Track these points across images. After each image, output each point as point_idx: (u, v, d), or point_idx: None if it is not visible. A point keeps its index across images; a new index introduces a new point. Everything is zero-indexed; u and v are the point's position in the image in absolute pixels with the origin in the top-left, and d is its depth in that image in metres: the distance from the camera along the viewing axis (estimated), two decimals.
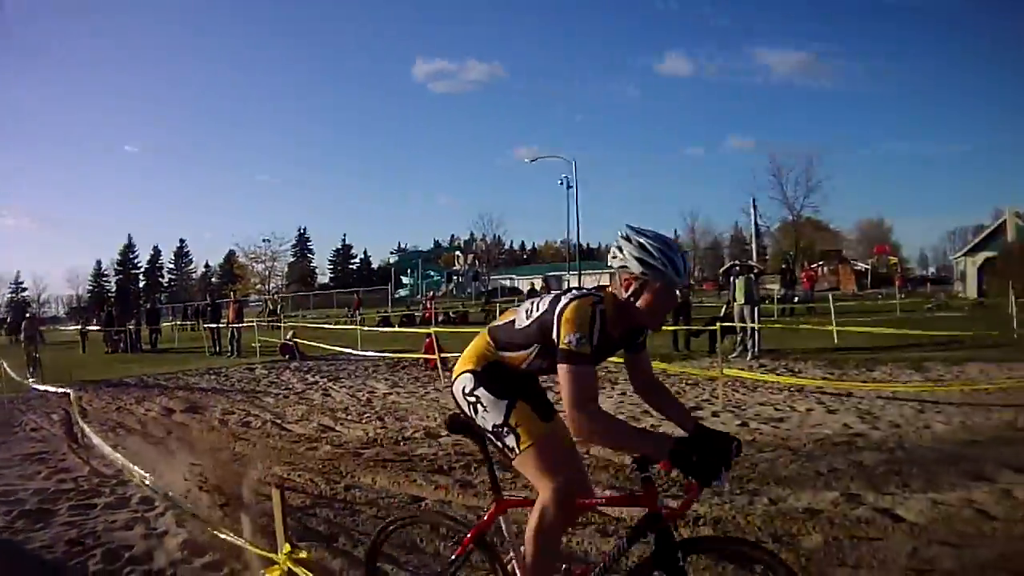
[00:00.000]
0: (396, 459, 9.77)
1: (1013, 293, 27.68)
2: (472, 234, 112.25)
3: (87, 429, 10.21)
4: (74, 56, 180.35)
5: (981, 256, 55.90)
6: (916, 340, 19.90)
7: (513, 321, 4.24)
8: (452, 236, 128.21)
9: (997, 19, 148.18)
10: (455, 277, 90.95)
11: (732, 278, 21.59)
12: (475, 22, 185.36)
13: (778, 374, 16.15)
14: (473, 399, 4.16)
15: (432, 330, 22.02)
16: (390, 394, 16.60)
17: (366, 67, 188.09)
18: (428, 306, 50.73)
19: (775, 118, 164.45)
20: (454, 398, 4.31)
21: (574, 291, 4.11)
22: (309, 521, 7.31)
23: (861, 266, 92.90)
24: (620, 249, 3.93)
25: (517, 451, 3.99)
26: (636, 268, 3.82)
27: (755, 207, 77.92)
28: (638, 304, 3.90)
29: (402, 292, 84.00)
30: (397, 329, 33.51)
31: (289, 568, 4.09)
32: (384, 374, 20.58)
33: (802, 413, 12.15)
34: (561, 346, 3.78)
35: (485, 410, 4.10)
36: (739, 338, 20.46)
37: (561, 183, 67.67)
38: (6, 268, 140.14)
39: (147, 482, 7.13)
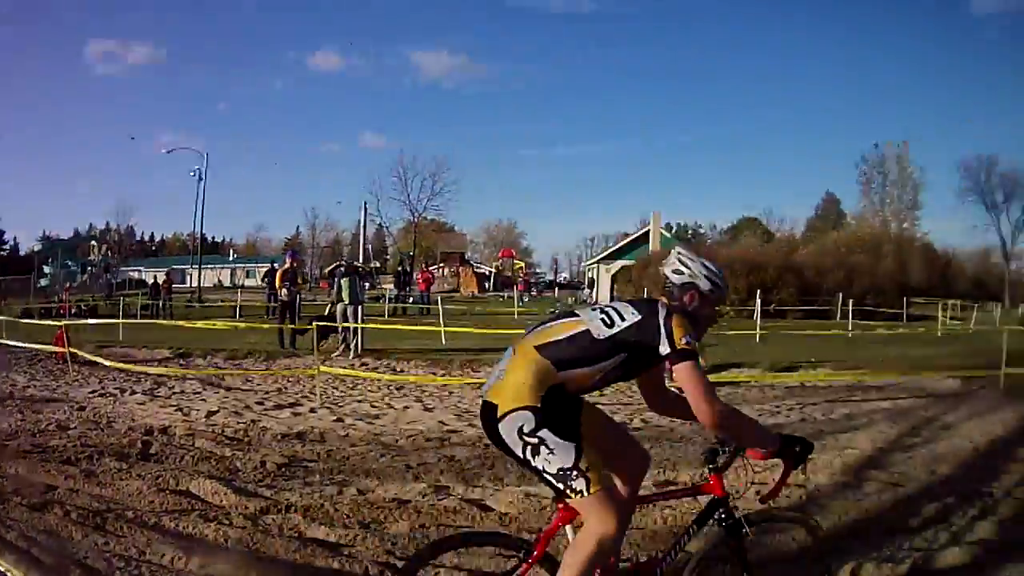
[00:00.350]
0: (33, 450, 9.75)
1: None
2: (108, 224, 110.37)
3: None
4: None
5: (617, 264, 58.09)
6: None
7: (582, 334, 4.14)
8: (91, 225, 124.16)
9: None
10: (89, 268, 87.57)
11: (337, 278, 22.40)
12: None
13: (379, 372, 17.10)
14: (535, 440, 3.93)
15: (64, 323, 21.91)
16: (28, 387, 16.50)
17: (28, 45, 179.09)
18: (64, 298, 50.08)
19: (417, 119, 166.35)
20: (495, 437, 4.08)
21: (653, 300, 4.40)
22: None
23: (486, 269, 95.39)
24: (686, 267, 4.39)
25: (586, 494, 3.87)
26: (705, 286, 4.35)
27: (366, 209, 78.24)
28: (697, 316, 4.35)
29: (43, 282, 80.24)
30: (36, 321, 32.17)
31: None
32: (24, 367, 20.15)
33: (399, 411, 12.86)
34: (681, 346, 4.00)
35: (551, 452, 3.91)
36: (342, 337, 20.99)
37: (193, 174, 67.56)
38: None
39: None
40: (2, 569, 5.50)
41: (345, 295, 21.16)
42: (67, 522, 6.71)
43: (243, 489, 7.83)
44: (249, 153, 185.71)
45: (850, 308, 35.34)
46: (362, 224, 74.60)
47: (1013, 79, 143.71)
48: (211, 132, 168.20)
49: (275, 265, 38.93)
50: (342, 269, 22.30)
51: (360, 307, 21.52)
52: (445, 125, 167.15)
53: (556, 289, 60.10)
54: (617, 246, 64.66)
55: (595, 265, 64.60)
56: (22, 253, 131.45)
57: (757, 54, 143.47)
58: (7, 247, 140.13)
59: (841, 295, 40.09)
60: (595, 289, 60.83)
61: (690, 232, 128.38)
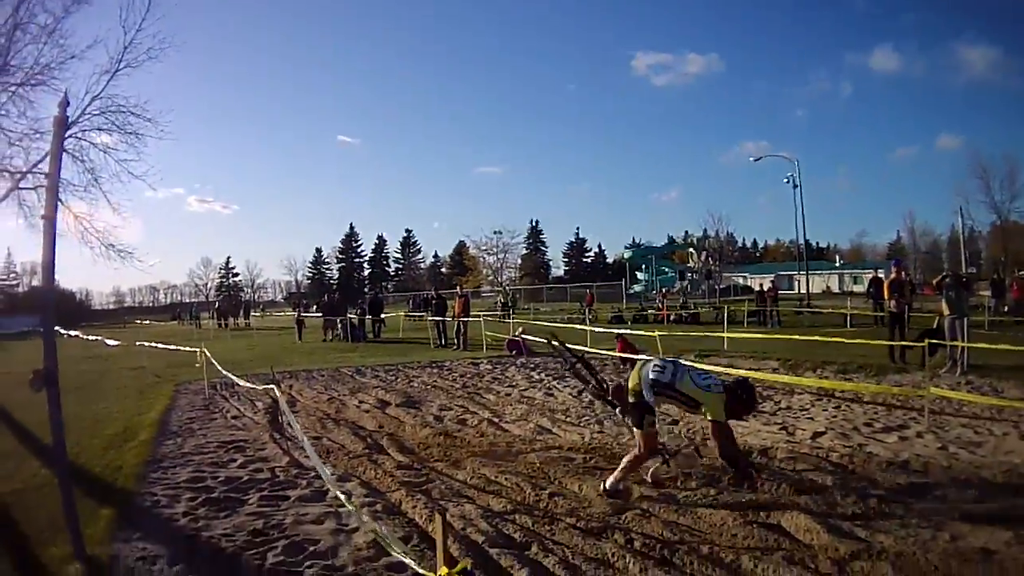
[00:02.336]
0: (607, 467, 9.38)
1: None
2: (705, 231, 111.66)
3: (291, 419, 10.19)
4: (287, 50, 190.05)
5: None
6: None
7: None
8: (686, 232, 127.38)
9: None
10: (688, 274, 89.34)
11: (945, 290, 20.26)
12: (691, 15, 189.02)
13: (982, 393, 15.33)
14: None
15: (657, 331, 22.70)
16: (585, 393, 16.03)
17: (586, 61, 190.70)
18: (661, 304, 50.94)
19: (979, 117, 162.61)
20: None
21: None
22: (505, 527, 7.24)
23: None
24: None
25: None
26: None
27: (962, 213, 73.74)
28: None
29: (636, 288, 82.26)
30: (627, 329, 31.97)
31: None
32: (610, 374, 19.60)
33: (999, 438, 11.33)
34: None
35: None
36: (948, 352, 18.88)
37: (787, 181, 65.03)
38: (211, 254, 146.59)
39: (333, 480, 7.32)
40: None
41: (952, 307, 19.49)
42: (626, 552, 6.51)
43: (837, 528, 7.10)
44: (832, 158, 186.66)
45: None
46: (960, 229, 70.23)
47: None
48: (793, 139, 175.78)
49: (879, 273, 37.18)
50: (948, 280, 20.11)
51: (965, 319, 19.44)
52: (1004, 121, 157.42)
53: None
54: None
55: None
56: (609, 260, 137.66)
57: None
58: (591, 254, 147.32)
59: None
60: None
61: None
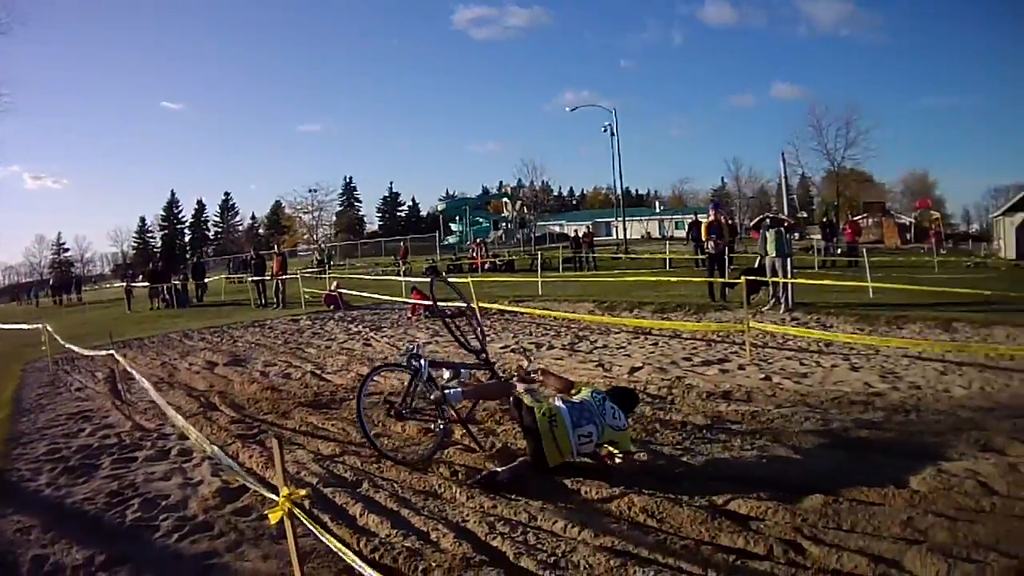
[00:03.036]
0: (426, 407, 9.38)
1: None
2: (520, 181, 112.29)
3: (134, 383, 10.28)
4: (106, 15, 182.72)
5: (1020, 216, 54.17)
6: (950, 298, 18.83)
7: None
8: (500, 183, 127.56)
9: None
10: (503, 224, 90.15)
11: (763, 230, 20.91)
12: None
13: (808, 328, 16.00)
14: None
15: (470, 279, 23.35)
16: (429, 343, 16.80)
17: (406, 15, 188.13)
18: (475, 254, 51.56)
19: (819, 70, 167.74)
20: None
21: None
22: (336, 468, 7.56)
23: (905, 220, 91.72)
24: None
25: None
26: None
27: (784, 160, 74.47)
28: None
29: (451, 240, 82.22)
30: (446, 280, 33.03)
31: (289, 508, 4.34)
32: (427, 323, 20.82)
33: (826, 369, 11.97)
34: None
35: None
36: (771, 291, 19.82)
37: (604, 130, 66.33)
38: (48, 231, 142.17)
39: (191, 435, 7.41)
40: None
41: (772, 248, 20.01)
42: (451, 482, 6.95)
43: (658, 452, 7.65)
44: (661, 108, 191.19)
45: None
46: (783, 175, 71.93)
47: None
48: (616, 89, 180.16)
49: (698, 217, 38.19)
50: (767, 221, 20.86)
51: (789, 260, 20.07)
52: (852, 73, 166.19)
53: (969, 241, 55.57)
54: (1017, 198, 60.20)
55: (1000, 217, 60.23)
56: (423, 213, 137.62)
57: None
58: (405, 208, 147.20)
59: None
60: (1003, 241, 56.81)
61: None
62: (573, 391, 7.47)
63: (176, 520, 6.57)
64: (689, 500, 6.17)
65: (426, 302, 20.26)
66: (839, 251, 41.25)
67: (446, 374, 8.23)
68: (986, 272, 34.30)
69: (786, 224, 21.09)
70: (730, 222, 28.75)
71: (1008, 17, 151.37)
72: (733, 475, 6.77)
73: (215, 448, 6.45)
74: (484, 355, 8.77)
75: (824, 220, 52.18)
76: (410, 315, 23.13)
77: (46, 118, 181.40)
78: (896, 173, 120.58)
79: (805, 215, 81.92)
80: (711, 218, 23.57)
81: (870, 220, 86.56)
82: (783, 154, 76.18)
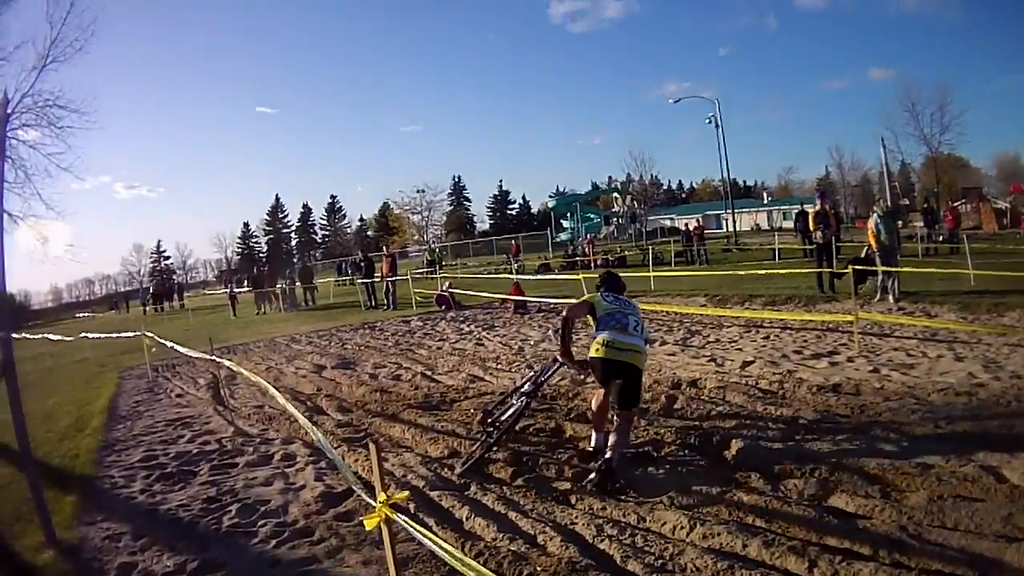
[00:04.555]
0: (538, 408, 9.87)
1: None
2: (628, 175, 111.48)
3: (237, 389, 10.41)
4: (198, 22, 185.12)
5: None
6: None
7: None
8: (609, 177, 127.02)
9: None
10: (614, 219, 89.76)
11: (874, 220, 20.25)
12: None
13: (915, 316, 15.74)
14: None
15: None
16: (542, 341, 16.85)
17: (502, 12, 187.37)
18: (587, 250, 50.81)
19: (909, 51, 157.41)
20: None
21: None
22: (443, 471, 7.62)
23: (1001, 204, 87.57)
24: None
25: None
26: None
27: (885, 147, 73.38)
28: None
29: (562, 236, 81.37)
30: (556, 276, 33.47)
31: (387, 515, 4.36)
32: (539, 321, 20.77)
33: (932, 360, 11.71)
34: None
35: None
36: (880, 280, 19.15)
37: (709, 122, 64.81)
38: (147, 239, 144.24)
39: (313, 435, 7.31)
40: None
41: (884, 236, 19.58)
42: (563, 483, 7.08)
43: (767, 448, 7.59)
44: (758, 95, 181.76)
45: None
46: (883, 161, 70.24)
47: None
48: (716, 77, 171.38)
49: (805, 207, 37.72)
50: (876, 210, 20.49)
51: (896, 249, 19.87)
52: (939, 53, 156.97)
53: None
54: None
55: None
56: (534, 211, 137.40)
57: None
58: (516, 206, 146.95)
59: None
60: None
61: None
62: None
63: (275, 526, 6.72)
64: (798, 499, 6.23)
65: (519, 298, 21.46)
66: (940, 238, 40.03)
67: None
68: None
69: (893, 212, 20.71)
70: (836, 211, 28.29)
71: None
72: (841, 471, 6.73)
73: (321, 437, 6.62)
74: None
75: (925, 207, 50.91)
76: (508, 309, 23.71)
77: (138, 130, 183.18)
78: (987, 156, 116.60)
79: (906, 202, 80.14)
80: (817, 208, 23.25)
81: (968, 206, 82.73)
82: (883, 140, 74.79)
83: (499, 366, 13.93)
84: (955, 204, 53.89)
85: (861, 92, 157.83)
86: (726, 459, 7.40)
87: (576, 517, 6.00)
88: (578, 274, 26.59)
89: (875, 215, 20.30)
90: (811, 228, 23.59)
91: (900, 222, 38.10)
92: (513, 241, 63.80)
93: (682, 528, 5.63)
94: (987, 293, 18.08)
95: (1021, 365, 10.83)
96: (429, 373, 14.00)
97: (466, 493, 6.83)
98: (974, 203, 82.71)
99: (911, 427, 7.98)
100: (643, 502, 6.27)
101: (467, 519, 6.17)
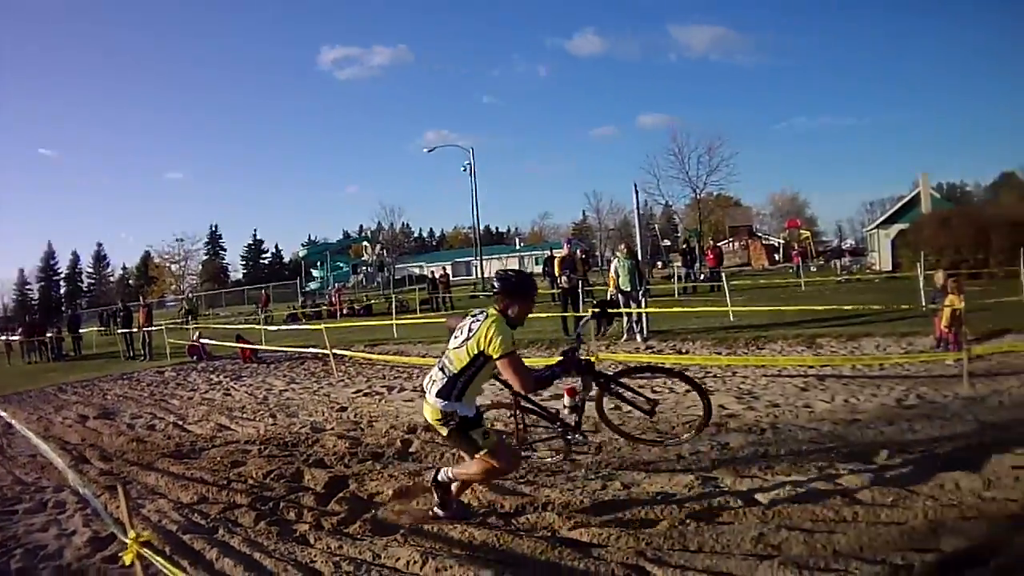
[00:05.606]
0: (280, 454, 10.23)
1: (924, 264, 28.40)
2: (379, 223, 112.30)
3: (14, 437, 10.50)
4: None
5: (895, 228, 54.43)
6: (816, 315, 20.15)
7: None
8: (360, 226, 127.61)
9: None
10: (362, 268, 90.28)
11: (613, 263, 21.54)
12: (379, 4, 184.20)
13: (663, 355, 16.43)
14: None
15: (324, 325, 23.32)
16: (285, 391, 17.15)
17: (271, 57, 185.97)
18: (334, 299, 51.52)
19: (690, 96, 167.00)
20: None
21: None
22: (194, 516, 7.80)
23: (775, 241, 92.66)
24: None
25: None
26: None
27: (637, 191, 76.18)
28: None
29: (312, 285, 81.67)
30: (301, 326, 34.22)
31: (137, 551, 4.61)
32: (283, 371, 21.11)
33: (680, 395, 12.21)
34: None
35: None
36: (625, 322, 20.39)
37: (464, 170, 67.08)
38: None
39: (77, 486, 7.60)
40: None
41: (623, 280, 20.42)
42: (301, 522, 7.34)
43: (502, 486, 7.76)
44: (524, 143, 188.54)
45: None
46: (635, 205, 72.61)
47: None
48: (482, 126, 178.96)
49: (554, 252, 38.85)
50: (618, 255, 21.42)
51: (638, 290, 20.48)
52: (717, 99, 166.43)
53: (843, 256, 56.89)
54: (892, 210, 61.91)
55: (875, 231, 61.86)
56: (286, 260, 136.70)
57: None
58: (268, 255, 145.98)
59: None
60: (877, 254, 57.73)
61: (958, 191, 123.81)
62: None
63: (53, 569, 6.79)
64: (530, 531, 6.55)
65: (251, 346, 22.43)
66: (702, 277, 41.93)
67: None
68: (859, 286, 35.90)
69: (636, 255, 21.57)
70: (584, 255, 29.18)
71: (879, 37, 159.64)
72: (574, 505, 7.07)
73: (88, 493, 6.84)
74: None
75: (684, 247, 52.85)
76: (242, 360, 24.33)
77: None
78: (767, 195, 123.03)
79: (668, 243, 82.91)
80: (564, 253, 24.34)
81: (736, 244, 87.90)
82: (635, 185, 77.29)
83: (244, 415, 14.21)
84: (718, 243, 55.99)
85: (628, 138, 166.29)
86: (465, 503, 7.50)
87: (315, 555, 6.24)
88: (320, 324, 26.57)
89: (615, 259, 21.23)
90: (557, 273, 24.13)
91: (660, 263, 39.27)
92: (263, 291, 63.21)
93: (415, 563, 5.90)
94: (748, 327, 19.24)
95: (779, 394, 11.72)
96: (181, 423, 14.10)
97: (215, 536, 7.04)
98: (743, 241, 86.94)
99: (652, 459, 8.49)
100: (378, 540, 6.53)
101: (216, 560, 6.39)
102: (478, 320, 6.51)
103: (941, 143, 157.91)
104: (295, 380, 18.82)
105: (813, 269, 55.28)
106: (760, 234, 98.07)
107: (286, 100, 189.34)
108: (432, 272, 57.04)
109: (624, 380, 8.48)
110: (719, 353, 16.77)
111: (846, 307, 19.52)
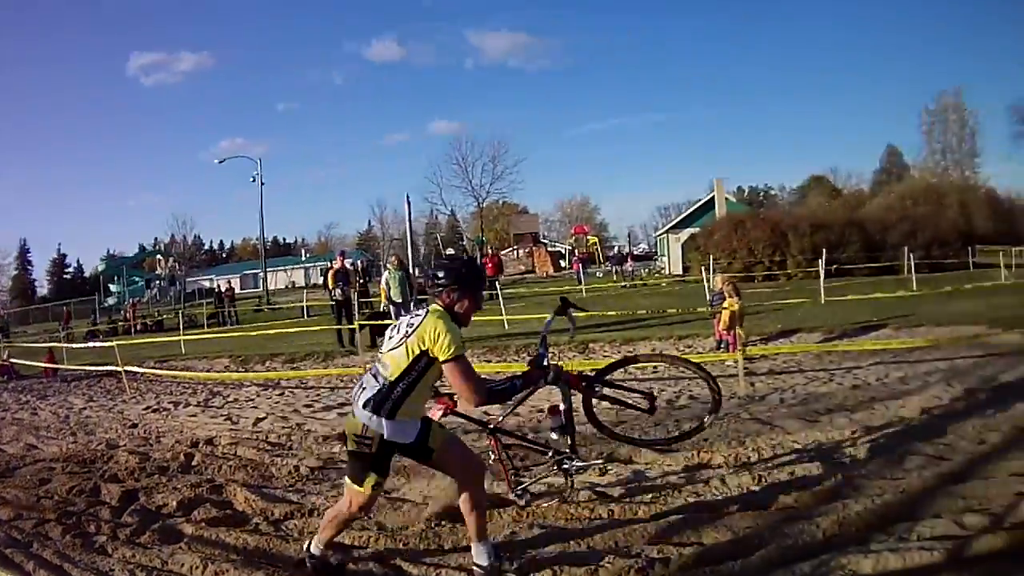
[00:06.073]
0: (80, 471, 10.52)
1: (712, 267, 30.04)
2: (172, 236, 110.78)
3: None
4: None
5: (686, 232, 57.07)
6: (593, 320, 20.57)
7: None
8: (155, 240, 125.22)
9: None
10: (156, 282, 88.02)
11: (384, 274, 22.47)
12: (185, 9, 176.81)
13: None
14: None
15: (115, 343, 23.30)
16: (84, 409, 17.33)
17: (83, 61, 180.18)
18: (129, 315, 51.23)
19: (485, 102, 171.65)
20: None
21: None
22: (12, 532, 7.96)
23: (562, 247, 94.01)
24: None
25: None
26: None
27: (409, 202, 75.70)
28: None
29: (110, 301, 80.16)
30: (100, 343, 32.49)
31: None
32: (83, 389, 21.14)
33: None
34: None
35: None
36: None
37: (253, 180, 67.75)
38: None
39: None
40: None
41: (395, 292, 21.25)
42: (103, 535, 7.49)
43: (272, 495, 8.37)
44: (316, 151, 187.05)
45: (910, 262, 35.00)
46: (407, 216, 72.48)
47: None
48: (275, 133, 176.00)
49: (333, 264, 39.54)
50: (389, 267, 22.32)
51: (412, 301, 21.18)
52: (512, 105, 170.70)
53: (625, 262, 58.34)
54: (684, 214, 63.96)
55: (665, 235, 63.76)
56: (87, 274, 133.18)
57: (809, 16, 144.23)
58: (71, 270, 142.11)
59: (906, 249, 38.65)
60: (667, 259, 60.28)
61: (761, 194, 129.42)
62: None
63: None
64: (299, 535, 7.09)
65: (52, 365, 22.60)
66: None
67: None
68: (644, 291, 37.63)
69: (406, 266, 22.21)
70: (365, 266, 29.67)
71: (676, 38, 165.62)
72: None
73: None
74: None
75: (462, 256, 53.68)
76: (45, 379, 24.49)
77: None
78: (558, 202, 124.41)
79: (453, 252, 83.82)
80: (336, 266, 24.77)
81: (521, 251, 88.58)
82: (407, 197, 77.94)
83: (50, 434, 14.35)
84: (496, 252, 56.55)
85: (422, 145, 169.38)
86: (236, 508, 8.15)
87: (113, 564, 6.64)
88: (112, 341, 27.10)
89: (386, 271, 22.07)
90: (331, 285, 24.39)
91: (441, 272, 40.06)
92: (65, 307, 62.16)
93: (197, 567, 6.31)
94: (520, 335, 20.24)
95: (544, 397, 11.71)
96: None
97: (31, 549, 7.29)
98: (527, 248, 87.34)
99: (412, 467, 8.31)
100: (166, 548, 6.94)
101: (34, 572, 6.71)
102: (417, 316, 5.65)
103: (746, 148, 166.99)
104: (93, 398, 19.00)
105: (599, 275, 57.19)
106: (546, 241, 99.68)
107: (93, 106, 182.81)
108: (218, 285, 58.21)
109: (609, 377, 7.58)
110: (488, 361, 17.72)
111: (641, 311, 21.06)
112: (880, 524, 6.00)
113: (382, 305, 22.70)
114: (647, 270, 60.59)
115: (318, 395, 15.63)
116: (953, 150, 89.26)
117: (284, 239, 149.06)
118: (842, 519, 6.07)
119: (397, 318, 19.28)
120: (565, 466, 6.87)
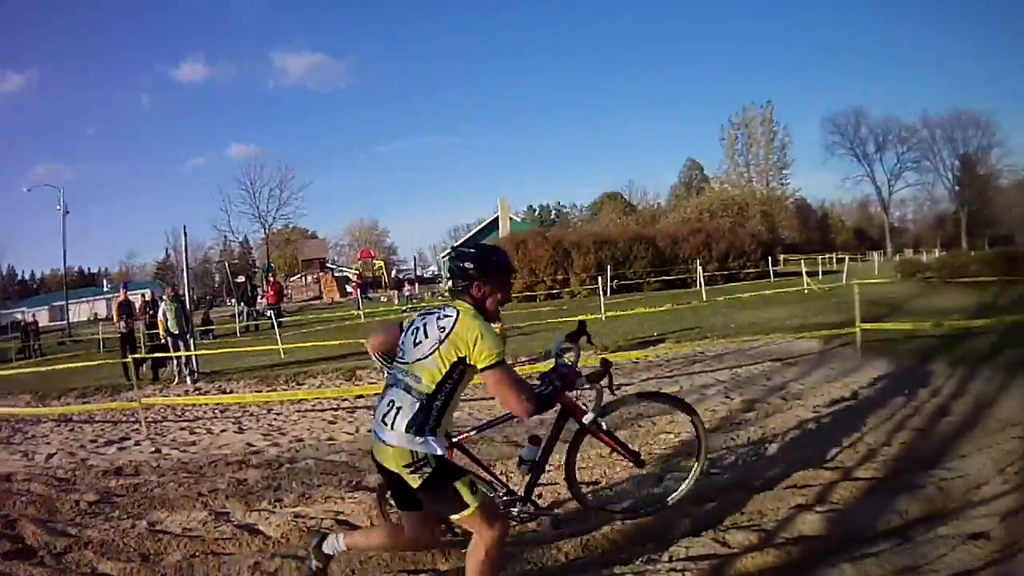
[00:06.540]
0: None
1: None
2: None
3: None
4: None
5: None
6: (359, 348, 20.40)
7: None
8: None
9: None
10: None
11: (161, 306, 22.21)
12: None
13: (207, 395, 17.39)
14: None
15: None
16: None
17: None
18: None
19: (283, 124, 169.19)
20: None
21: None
22: None
23: (350, 272, 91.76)
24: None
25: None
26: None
27: (186, 232, 74.48)
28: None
29: None
30: None
31: None
32: None
33: (215, 435, 13.29)
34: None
35: None
36: (175, 364, 20.78)
37: (59, 208, 66.63)
38: None
39: None
40: None
41: (172, 323, 21.35)
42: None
43: (55, 529, 8.25)
44: (121, 176, 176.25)
45: (701, 274, 36.64)
46: (184, 246, 71.05)
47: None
48: (86, 159, 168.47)
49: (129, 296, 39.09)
50: (165, 298, 22.45)
51: (188, 333, 21.58)
52: (308, 127, 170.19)
53: (407, 286, 58.19)
54: (469, 235, 64.60)
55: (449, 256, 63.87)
56: None
57: (611, 26, 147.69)
58: None
59: (698, 261, 40.65)
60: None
61: (553, 212, 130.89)
62: None
63: None
64: (76, 567, 7.07)
65: None
66: (266, 314, 40.79)
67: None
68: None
69: (182, 298, 22.16)
70: (148, 300, 29.35)
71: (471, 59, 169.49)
72: (108, 546, 7.51)
73: None
74: None
75: (239, 283, 53.55)
76: None
77: None
78: (347, 226, 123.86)
79: (243, 279, 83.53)
80: (121, 298, 24.93)
81: (309, 277, 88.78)
82: (184, 227, 76.28)
83: None
84: (287, 278, 56.38)
85: (220, 170, 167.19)
86: (26, 542, 7.92)
87: None
88: None
89: (163, 303, 22.08)
90: (115, 319, 24.53)
91: (215, 304, 39.53)
92: None
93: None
94: (295, 363, 20.53)
95: (306, 428, 12.91)
96: None
97: None
98: (315, 274, 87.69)
99: (175, 498, 9.07)
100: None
101: None
102: (446, 318, 4.79)
103: (541, 168, 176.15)
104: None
105: (384, 300, 57.36)
106: (333, 266, 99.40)
107: None
108: (24, 319, 56.14)
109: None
110: (259, 391, 17.86)
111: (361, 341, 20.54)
112: (629, 545, 6.08)
113: (161, 337, 22.27)
114: (431, 293, 60.31)
115: (103, 429, 15.34)
116: (759, 162, 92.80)
117: (88, 269, 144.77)
118: (586, 542, 6.12)
119: (175, 348, 20.09)
120: (514, 510, 6.02)
